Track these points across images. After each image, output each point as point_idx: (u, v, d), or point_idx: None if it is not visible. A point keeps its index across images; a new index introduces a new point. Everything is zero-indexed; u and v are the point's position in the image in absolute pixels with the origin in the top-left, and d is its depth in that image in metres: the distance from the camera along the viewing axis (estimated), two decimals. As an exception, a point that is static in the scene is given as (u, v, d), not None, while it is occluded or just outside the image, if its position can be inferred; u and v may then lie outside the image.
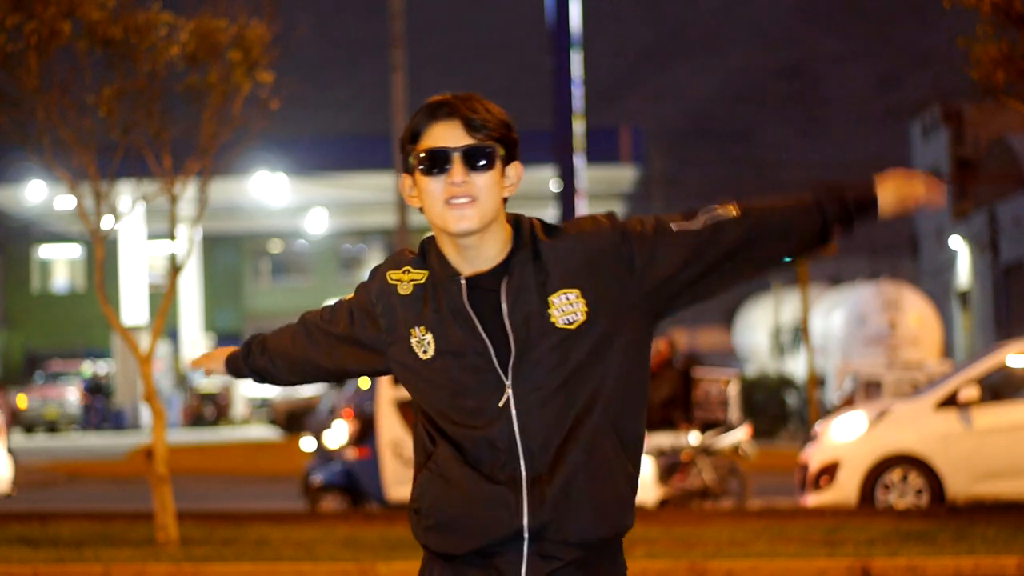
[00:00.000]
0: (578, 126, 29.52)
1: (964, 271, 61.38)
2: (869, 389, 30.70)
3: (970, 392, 16.27)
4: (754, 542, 12.82)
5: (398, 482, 16.35)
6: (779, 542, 12.79)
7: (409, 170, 3.57)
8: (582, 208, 29.75)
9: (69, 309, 60.96)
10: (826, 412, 30.01)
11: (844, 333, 36.58)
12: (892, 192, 3.56)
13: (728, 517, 15.46)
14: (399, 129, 31.07)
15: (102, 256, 12.92)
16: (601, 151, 41.06)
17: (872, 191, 3.56)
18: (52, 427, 45.70)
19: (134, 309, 47.24)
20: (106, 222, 13.18)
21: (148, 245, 48.90)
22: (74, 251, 61.82)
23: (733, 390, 17.93)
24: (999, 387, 16.57)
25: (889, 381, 30.75)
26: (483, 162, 3.50)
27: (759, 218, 3.58)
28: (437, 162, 3.50)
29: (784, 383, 38.13)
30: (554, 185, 33.42)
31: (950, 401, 16.33)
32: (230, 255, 62.83)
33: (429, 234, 3.63)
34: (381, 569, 11.56)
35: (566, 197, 29.38)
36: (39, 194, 43.11)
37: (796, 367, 39.64)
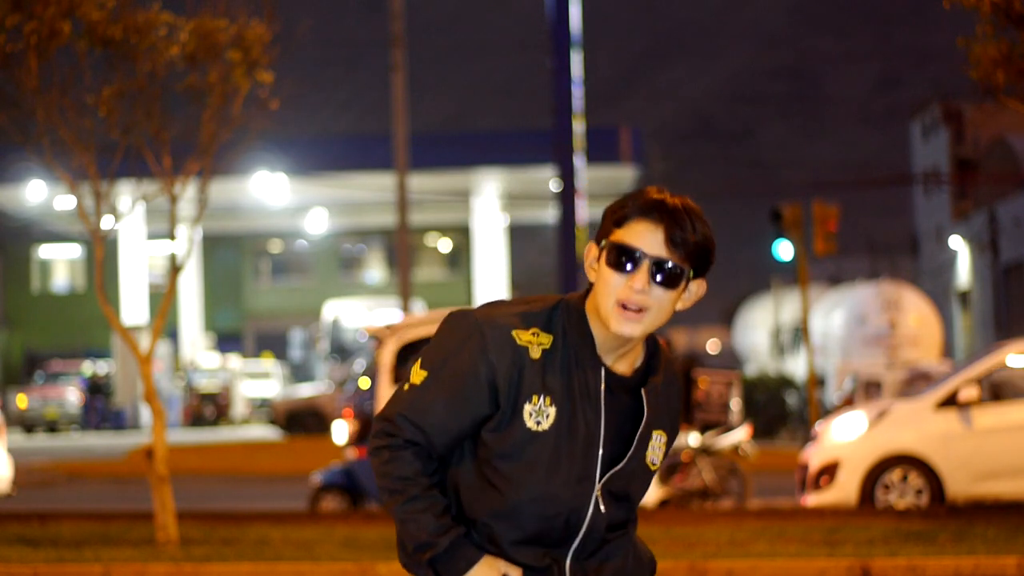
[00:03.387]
0: (578, 126, 29.52)
1: (964, 271, 61.39)
2: (869, 389, 30.70)
3: (970, 392, 16.27)
4: (754, 542, 12.82)
5: (398, 482, 16.32)
6: (779, 542, 12.79)
7: (599, 245, 3.50)
8: (582, 208, 29.75)
9: (69, 309, 60.96)
10: (826, 412, 30.02)
11: (844, 333, 36.60)
12: None
13: (728, 517, 15.46)
14: (399, 129, 31.06)
15: (102, 256, 12.92)
16: (601, 151, 41.07)
17: None
18: (52, 427, 45.70)
19: (134, 309, 47.24)
20: (106, 222, 13.18)
21: (148, 245, 48.90)
22: (74, 251, 61.82)
23: (734, 391, 17.93)
24: (999, 387, 16.58)
25: (889, 381, 30.76)
26: (669, 279, 3.44)
27: None
28: (624, 259, 3.43)
29: (784, 383, 38.13)
30: (554, 185, 33.40)
31: (950, 401, 16.33)
32: (230, 255, 62.81)
33: (565, 296, 3.54)
34: (381, 569, 11.56)
35: (566, 197, 29.36)
36: (39, 194, 43.11)
37: (796, 367, 39.65)
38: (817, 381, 30.96)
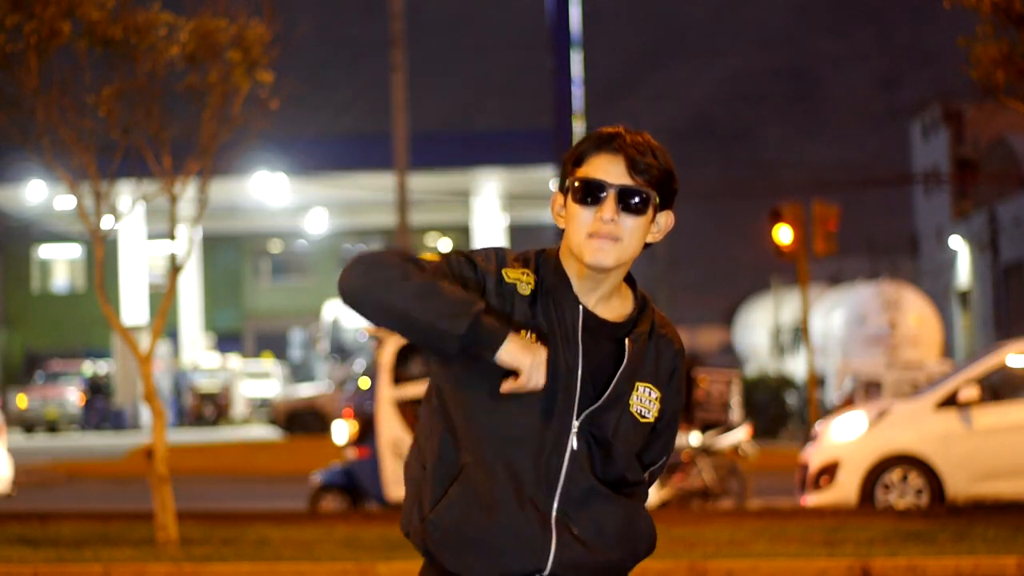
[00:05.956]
0: (578, 126, 29.53)
1: (964, 271, 61.39)
2: (869, 389, 30.70)
3: (970, 392, 16.27)
4: (754, 542, 12.81)
5: (398, 482, 16.35)
6: (779, 542, 12.79)
7: (564, 190, 3.58)
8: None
9: (69, 309, 60.94)
10: (826, 412, 30.01)
11: (844, 333, 36.58)
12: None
13: (728, 517, 15.46)
14: (399, 129, 31.06)
15: (102, 256, 12.92)
16: (601, 151, 40.92)
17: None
18: (52, 427, 45.70)
19: (134, 309, 47.22)
20: (106, 222, 13.17)
21: (148, 245, 48.87)
22: (74, 251, 61.80)
23: (734, 390, 17.93)
24: (999, 387, 16.58)
25: (889, 381, 30.76)
26: (636, 205, 3.51)
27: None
28: (591, 193, 3.50)
29: (784, 383, 38.12)
30: (554, 185, 33.46)
31: (950, 401, 16.33)
32: (230, 255, 62.81)
33: (541, 248, 3.63)
34: (381, 569, 11.56)
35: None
36: (39, 194, 43.09)
37: (796, 367, 39.63)
38: (817, 381, 30.95)
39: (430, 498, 3.51)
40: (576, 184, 3.52)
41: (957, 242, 61.07)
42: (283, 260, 64.87)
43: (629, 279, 3.63)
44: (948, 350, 50.00)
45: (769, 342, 44.70)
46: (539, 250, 3.61)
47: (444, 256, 3.53)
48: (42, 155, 13.00)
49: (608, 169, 3.50)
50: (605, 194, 3.49)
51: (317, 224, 57.04)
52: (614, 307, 3.57)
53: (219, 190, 30.61)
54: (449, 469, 3.50)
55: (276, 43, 13.30)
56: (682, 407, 3.69)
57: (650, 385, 3.56)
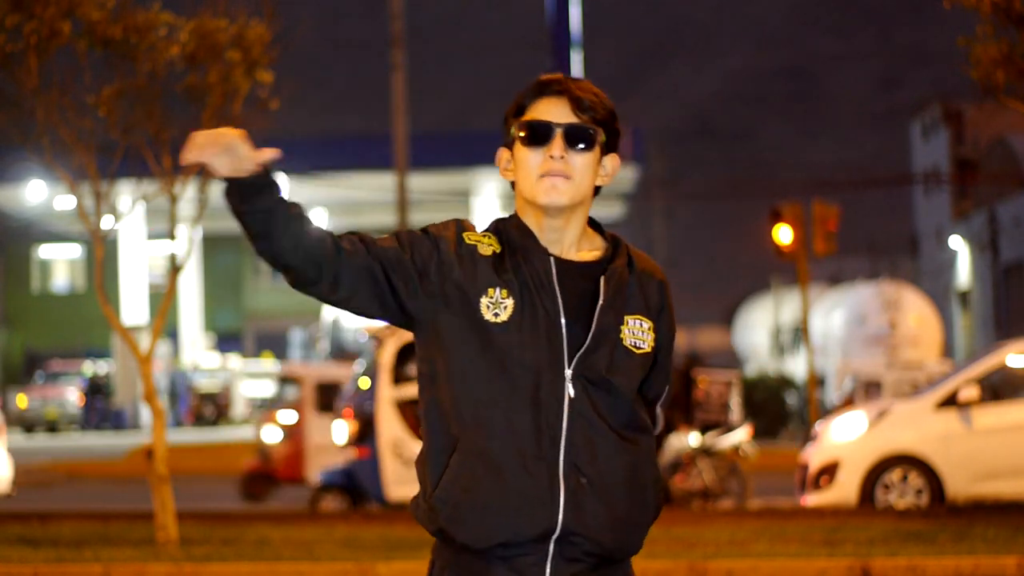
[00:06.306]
0: (578, 126, 29.44)
1: (964, 271, 61.40)
2: (869, 389, 30.70)
3: (970, 392, 16.28)
4: (754, 542, 12.81)
5: (398, 482, 16.35)
6: (779, 542, 12.79)
7: (508, 143, 3.61)
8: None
9: (69, 309, 60.95)
10: (826, 412, 30.01)
11: (844, 333, 36.59)
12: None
13: (728, 517, 15.46)
14: (399, 129, 31.05)
15: (102, 256, 12.92)
16: (601, 151, 40.96)
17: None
18: (52, 427, 45.70)
19: (134, 309, 47.23)
20: (106, 222, 13.17)
21: (148, 245, 48.88)
22: (74, 251, 61.81)
23: (734, 391, 17.93)
24: (999, 387, 16.58)
25: (889, 381, 30.76)
26: (583, 143, 3.55)
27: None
28: (538, 135, 3.54)
29: (784, 383, 38.12)
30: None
31: (950, 401, 16.34)
32: (230, 255, 62.82)
33: (500, 216, 3.66)
34: (381, 569, 11.56)
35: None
36: (39, 194, 43.10)
37: (796, 367, 39.64)
38: (817, 381, 30.94)
39: (434, 476, 3.49)
40: (522, 132, 3.55)
41: (957, 242, 61.08)
42: (283, 260, 64.84)
43: (595, 226, 3.65)
44: (948, 350, 49.99)
45: (769, 342, 44.72)
46: (499, 218, 3.64)
47: (395, 233, 3.59)
48: (42, 155, 12.99)
49: (552, 111, 3.55)
50: (552, 134, 3.53)
51: (317, 224, 57.01)
52: (585, 252, 3.59)
53: (219, 190, 30.63)
54: (445, 442, 3.48)
55: (276, 43, 13.30)
56: (674, 335, 3.67)
57: (640, 316, 3.56)
